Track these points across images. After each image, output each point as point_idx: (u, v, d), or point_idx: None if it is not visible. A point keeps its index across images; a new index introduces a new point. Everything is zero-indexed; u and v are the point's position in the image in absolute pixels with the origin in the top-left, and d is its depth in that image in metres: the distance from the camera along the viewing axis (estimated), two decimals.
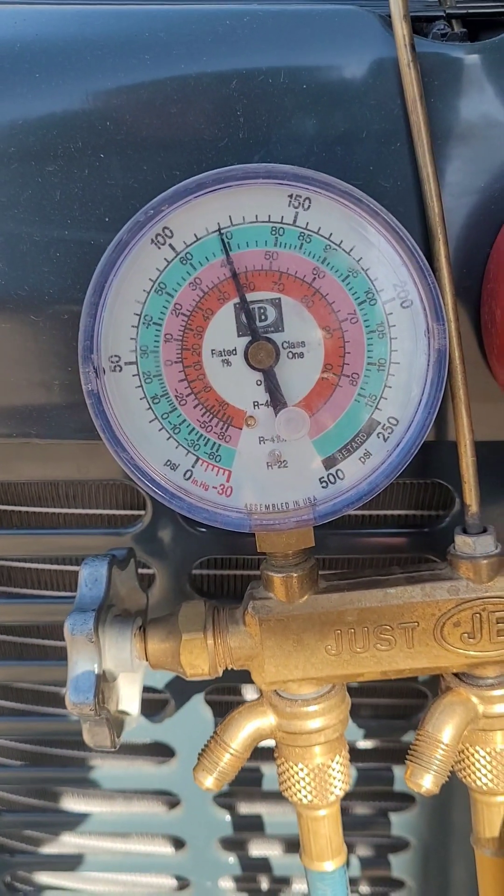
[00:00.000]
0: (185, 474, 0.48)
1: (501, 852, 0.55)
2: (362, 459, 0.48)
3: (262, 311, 0.46)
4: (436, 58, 0.48)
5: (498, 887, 0.56)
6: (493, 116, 0.48)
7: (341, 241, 0.45)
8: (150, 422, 0.47)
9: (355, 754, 0.76)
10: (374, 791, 0.78)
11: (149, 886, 0.84)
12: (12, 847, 0.85)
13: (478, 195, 0.49)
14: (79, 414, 0.51)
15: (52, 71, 0.49)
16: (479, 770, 0.53)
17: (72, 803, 0.81)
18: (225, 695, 0.72)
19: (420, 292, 0.45)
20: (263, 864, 0.83)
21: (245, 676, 0.55)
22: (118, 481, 0.62)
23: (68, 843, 0.83)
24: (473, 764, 0.53)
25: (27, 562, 0.68)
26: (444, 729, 0.50)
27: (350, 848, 0.82)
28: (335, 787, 0.54)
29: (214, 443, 0.48)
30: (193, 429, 0.47)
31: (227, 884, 0.84)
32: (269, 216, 0.45)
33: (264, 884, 0.86)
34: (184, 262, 0.45)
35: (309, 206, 0.45)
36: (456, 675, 0.53)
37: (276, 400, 0.46)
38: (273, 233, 0.45)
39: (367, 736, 0.75)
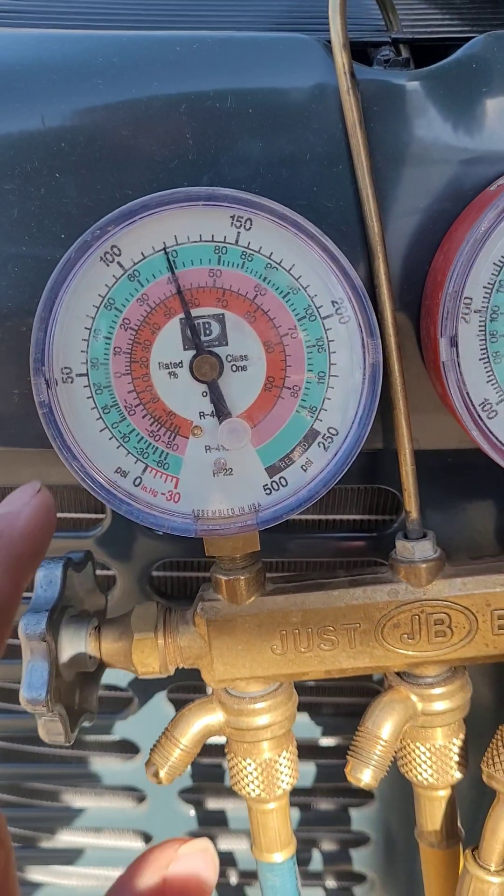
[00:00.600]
0: (134, 481, 0.50)
1: (444, 844, 0.57)
2: (304, 468, 0.50)
3: (206, 325, 0.48)
4: (377, 84, 0.50)
5: (441, 879, 0.58)
6: (433, 140, 0.50)
7: (281, 260, 0.47)
8: (101, 431, 0.49)
9: (317, 752, 0.78)
10: (336, 787, 0.80)
11: None
12: None
13: (418, 215, 0.51)
14: (37, 423, 0.53)
15: (8, 94, 0.51)
16: (420, 765, 0.55)
17: (43, 799, 0.83)
18: (188, 693, 0.74)
19: (355, 309, 0.47)
20: (230, 859, 0.85)
21: None
22: (80, 486, 0.64)
23: (40, 838, 0.86)
24: (415, 759, 0.55)
25: None
26: (383, 725, 0.53)
27: (313, 843, 0.84)
28: (283, 781, 0.56)
29: (162, 451, 0.50)
30: (142, 438, 0.49)
31: None
32: (213, 236, 0.47)
33: (232, 878, 0.88)
34: (131, 279, 0.48)
35: (250, 227, 0.47)
36: (398, 674, 0.55)
37: (220, 411, 0.49)
38: (216, 252, 0.47)
39: (328, 733, 0.77)
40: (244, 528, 0.50)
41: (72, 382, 0.49)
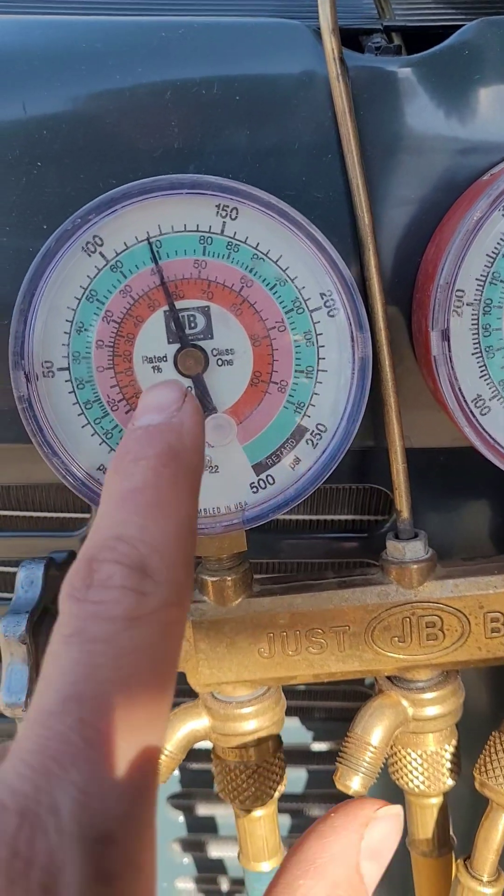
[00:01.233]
0: None
1: (435, 853, 0.56)
2: (292, 465, 0.48)
3: (191, 318, 0.47)
4: (368, 71, 0.49)
5: (433, 888, 0.57)
6: (425, 129, 0.49)
7: (269, 251, 0.46)
8: (83, 427, 0.48)
9: (309, 757, 0.77)
10: (328, 793, 0.78)
11: None
12: None
13: (410, 206, 0.50)
14: (20, 418, 0.52)
15: None
16: (411, 772, 0.54)
17: None
18: (176, 696, 0.72)
19: (344, 302, 0.45)
20: (219, 866, 0.84)
21: None
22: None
23: None
24: (406, 766, 0.54)
25: None
26: (372, 731, 0.51)
27: None
28: (271, 787, 0.55)
29: None
30: None
31: (183, 884, 0.84)
32: (198, 226, 0.46)
33: (223, 885, 0.86)
34: (114, 269, 0.46)
35: (236, 216, 0.45)
36: (389, 678, 0.54)
37: (205, 406, 0.47)
38: (201, 242, 0.46)
39: (319, 738, 0.76)
40: (230, 527, 0.48)
41: (53, 377, 0.47)
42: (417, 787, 0.54)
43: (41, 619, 0.51)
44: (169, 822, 0.79)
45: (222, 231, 0.46)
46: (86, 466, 0.48)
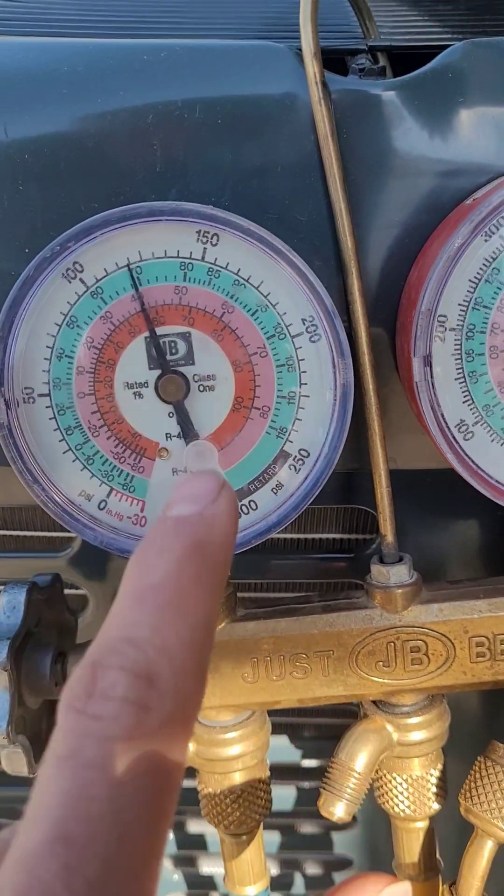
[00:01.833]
0: (99, 504, 0.48)
1: (421, 877, 0.56)
2: (274, 490, 0.48)
3: (172, 344, 0.46)
4: (351, 94, 0.48)
5: None
6: (409, 151, 0.48)
7: (249, 277, 0.46)
8: (64, 453, 0.48)
9: (298, 774, 0.77)
10: (318, 810, 0.78)
11: None
12: None
13: (393, 229, 0.49)
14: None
15: None
16: (397, 797, 0.53)
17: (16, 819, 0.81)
18: None
19: (326, 328, 0.45)
20: (209, 883, 0.83)
21: None
22: None
23: None
24: (391, 791, 0.54)
25: None
26: (357, 757, 0.51)
27: (295, 866, 0.83)
28: (256, 812, 0.55)
29: (128, 474, 0.48)
30: (107, 460, 0.48)
31: None
32: (178, 252, 0.45)
33: None
34: (94, 296, 0.46)
35: (217, 242, 0.45)
36: (374, 702, 0.53)
37: (187, 432, 0.47)
38: (182, 268, 0.45)
39: (309, 756, 0.76)
40: None
41: (33, 403, 0.47)
42: (403, 811, 0.54)
43: (23, 644, 0.51)
44: None
45: (203, 257, 0.45)
46: (66, 492, 0.48)
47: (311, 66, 0.46)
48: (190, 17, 0.66)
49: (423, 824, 0.55)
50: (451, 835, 0.61)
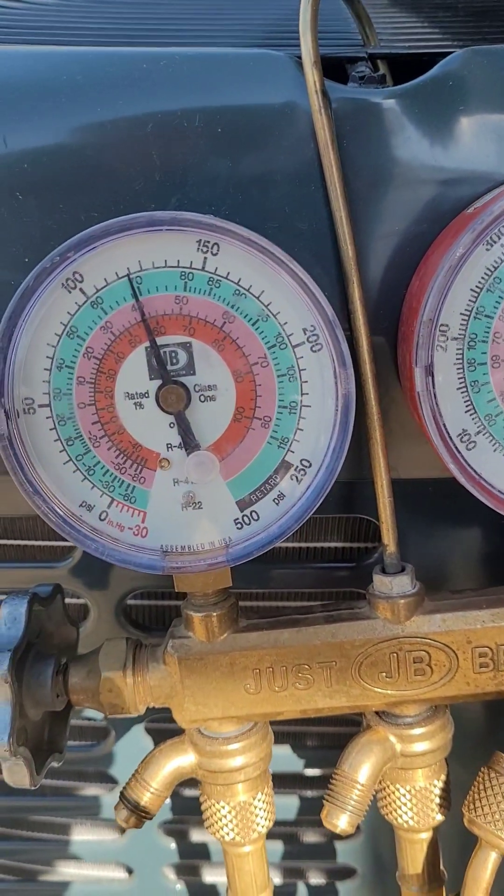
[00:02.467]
0: (100, 515, 0.48)
1: (425, 888, 0.55)
2: (276, 501, 0.48)
3: (173, 354, 0.46)
4: (352, 102, 0.48)
5: None
6: (409, 160, 0.48)
7: (250, 286, 0.45)
8: (65, 463, 0.47)
9: (302, 782, 0.76)
10: (321, 819, 0.78)
11: None
12: None
13: (394, 238, 0.49)
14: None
15: None
16: (400, 808, 0.53)
17: (23, 829, 0.81)
18: (166, 723, 0.72)
19: (327, 338, 0.45)
20: (213, 891, 0.83)
21: None
22: None
23: (19, 869, 0.83)
24: (395, 802, 0.53)
25: None
26: (360, 769, 0.51)
27: (299, 875, 0.82)
28: (258, 824, 0.54)
29: (129, 484, 0.48)
30: (108, 470, 0.48)
31: None
32: (179, 261, 0.45)
33: None
34: (94, 306, 0.46)
35: (218, 252, 0.45)
36: (376, 713, 0.53)
37: (188, 443, 0.47)
38: (182, 278, 0.45)
39: (312, 764, 0.75)
40: (214, 564, 0.48)
41: (34, 413, 0.47)
42: (407, 822, 0.53)
43: (24, 656, 0.51)
44: (161, 849, 0.79)
45: (203, 267, 0.45)
46: (67, 503, 0.48)
47: (312, 75, 0.46)
48: (189, 24, 0.66)
49: (426, 835, 0.55)
50: (454, 845, 0.61)
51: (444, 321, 0.44)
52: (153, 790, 0.53)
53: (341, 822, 0.50)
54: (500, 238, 0.44)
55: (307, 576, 0.63)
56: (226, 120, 0.48)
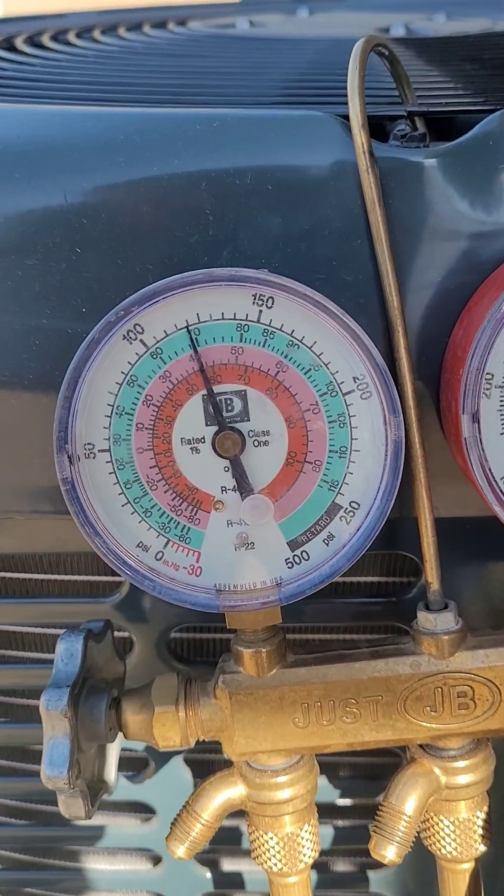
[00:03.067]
0: (156, 555, 0.50)
1: None
2: (326, 541, 0.50)
3: (228, 402, 0.48)
4: (395, 162, 0.51)
5: None
6: (451, 216, 0.51)
7: (303, 337, 0.48)
8: (123, 506, 0.49)
9: (334, 812, 0.77)
10: (354, 848, 0.79)
11: None
12: None
13: (436, 289, 0.51)
14: (57, 493, 0.53)
15: (32, 170, 0.52)
16: (444, 839, 0.55)
17: (56, 859, 0.82)
18: (204, 753, 0.73)
19: (377, 386, 0.47)
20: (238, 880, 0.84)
21: None
22: None
23: None
24: (438, 832, 0.55)
25: (12, 625, 0.69)
26: (407, 801, 0.52)
27: None
28: (305, 854, 0.56)
29: (184, 525, 0.50)
30: (164, 512, 0.49)
31: None
32: (235, 314, 0.47)
33: None
34: (154, 356, 0.48)
35: (272, 305, 0.47)
36: (421, 745, 0.54)
37: (243, 486, 0.49)
38: (238, 329, 0.47)
39: (346, 794, 0.76)
40: (267, 604, 0.49)
41: (94, 458, 0.49)
42: (450, 853, 0.55)
43: (79, 690, 0.52)
44: (196, 878, 0.80)
45: (258, 319, 0.47)
46: (125, 544, 0.50)
47: (359, 137, 0.49)
48: (228, 80, 0.69)
49: (468, 865, 0.56)
50: (495, 875, 0.62)
51: (490, 370, 0.46)
52: (204, 821, 0.55)
53: (389, 853, 0.52)
54: None
55: (344, 609, 0.65)
56: (275, 178, 0.51)
